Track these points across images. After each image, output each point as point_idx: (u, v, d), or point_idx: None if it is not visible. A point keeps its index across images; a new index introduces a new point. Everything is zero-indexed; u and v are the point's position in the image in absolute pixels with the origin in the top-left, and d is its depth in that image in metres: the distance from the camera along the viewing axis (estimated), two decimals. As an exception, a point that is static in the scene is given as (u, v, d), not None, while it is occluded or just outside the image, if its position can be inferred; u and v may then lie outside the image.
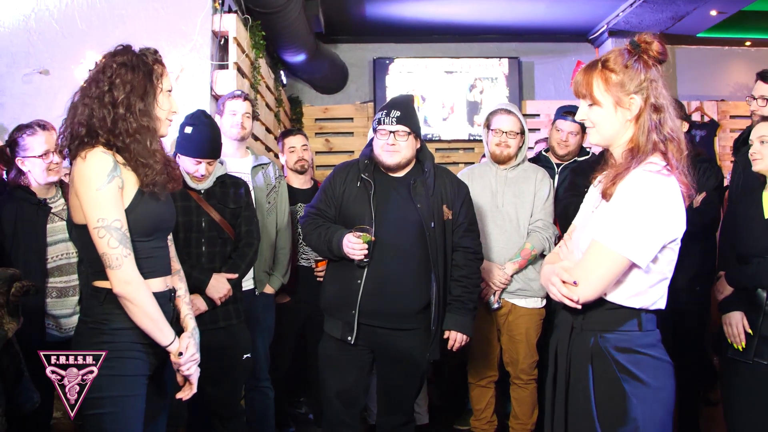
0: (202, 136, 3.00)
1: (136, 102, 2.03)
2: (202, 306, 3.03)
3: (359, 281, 2.90)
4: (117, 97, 2.01)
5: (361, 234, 2.83)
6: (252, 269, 3.53)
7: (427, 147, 3.16)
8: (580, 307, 1.95)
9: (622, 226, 1.88)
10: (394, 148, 2.96)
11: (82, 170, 1.99)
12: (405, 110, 2.98)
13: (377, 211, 2.93)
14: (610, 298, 1.95)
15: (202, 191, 3.12)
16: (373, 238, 2.85)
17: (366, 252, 2.84)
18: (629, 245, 1.87)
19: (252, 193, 3.56)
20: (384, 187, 3.00)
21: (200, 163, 3.03)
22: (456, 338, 3.00)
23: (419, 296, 2.94)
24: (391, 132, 2.95)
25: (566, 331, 2.05)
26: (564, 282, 1.96)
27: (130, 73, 2.03)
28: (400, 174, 3.04)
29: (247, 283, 3.55)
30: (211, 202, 3.12)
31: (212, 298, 3.03)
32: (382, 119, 2.97)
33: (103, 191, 1.97)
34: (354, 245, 2.83)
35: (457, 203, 3.05)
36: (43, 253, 3.00)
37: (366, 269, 2.90)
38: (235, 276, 3.12)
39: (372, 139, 3.09)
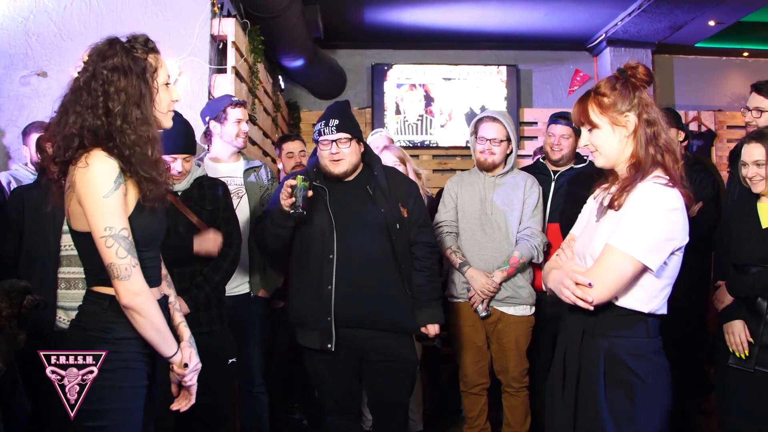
0: (176, 132, 2.88)
1: (132, 110, 1.90)
2: (184, 307, 2.95)
3: (330, 286, 2.87)
4: (112, 107, 1.89)
5: (296, 177, 2.80)
6: (247, 272, 3.52)
7: (372, 150, 3.17)
8: (593, 308, 2.02)
9: (636, 232, 1.99)
10: (339, 156, 2.96)
11: (87, 176, 1.86)
12: (343, 117, 2.99)
13: (337, 217, 2.93)
14: (620, 303, 2.05)
15: (180, 193, 3.09)
16: (306, 184, 2.79)
17: (301, 196, 2.78)
18: (643, 250, 1.98)
19: (245, 195, 3.55)
20: (339, 193, 2.99)
21: (176, 159, 2.98)
22: (433, 330, 3.04)
23: (392, 293, 2.94)
24: (332, 141, 2.95)
25: (577, 335, 2.12)
26: (578, 284, 2.03)
27: (123, 78, 1.90)
28: (351, 178, 3.03)
29: (243, 287, 3.54)
30: (188, 204, 3.08)
31: (206, 252, 2.98)
32: (321, 130, 2.97)
33: (110, 198, 1.86)
34: (285, 189, 2.78)
35: (410, 201, 3.08)
36: (58, 243, 2.99)
37: (334, 276, 2.86)
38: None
39: (316, 149, 3.06)
